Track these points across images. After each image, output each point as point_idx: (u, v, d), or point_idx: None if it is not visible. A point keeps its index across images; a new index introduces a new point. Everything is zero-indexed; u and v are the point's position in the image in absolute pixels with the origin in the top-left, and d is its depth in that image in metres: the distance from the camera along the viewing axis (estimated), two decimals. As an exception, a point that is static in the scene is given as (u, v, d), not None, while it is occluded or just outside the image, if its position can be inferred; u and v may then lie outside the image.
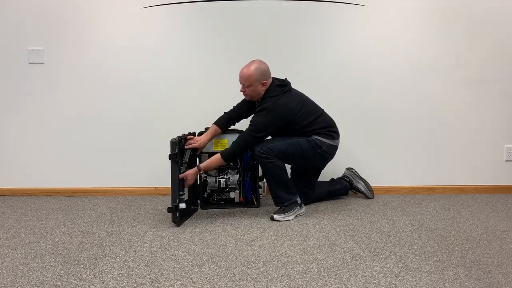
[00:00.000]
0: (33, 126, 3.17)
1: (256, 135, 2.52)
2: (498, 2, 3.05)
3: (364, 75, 3.11)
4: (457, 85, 3.11)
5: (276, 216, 2.49)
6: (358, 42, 3.09)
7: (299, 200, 2.59)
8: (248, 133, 2.54)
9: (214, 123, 2.73)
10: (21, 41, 3.11)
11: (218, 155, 2.54)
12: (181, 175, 2.47)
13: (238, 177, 2.78)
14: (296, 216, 2.54)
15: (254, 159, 2.73)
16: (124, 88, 3.14)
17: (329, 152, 2.66)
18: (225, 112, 2.77)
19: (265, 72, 2.58)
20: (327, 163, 2.77)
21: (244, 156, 2.76)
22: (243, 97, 2.82)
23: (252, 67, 2.56)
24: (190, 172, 2.51)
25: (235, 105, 2.79)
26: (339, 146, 2.73)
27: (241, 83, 2.60)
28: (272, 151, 2.52)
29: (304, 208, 2.63)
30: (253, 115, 2.62)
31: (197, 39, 3.11)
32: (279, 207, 2.58)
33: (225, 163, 2.61)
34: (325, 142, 2.61)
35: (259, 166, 2.63)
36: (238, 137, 2.56)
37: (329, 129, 2.65)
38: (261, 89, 2.58)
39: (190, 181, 2.52)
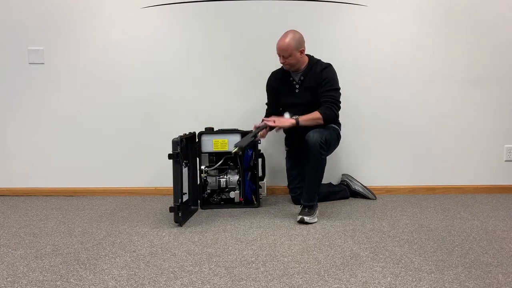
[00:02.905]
0: (33, 126, 3.17)
1: (338, 87, 2.63)
2: (498, 2, 3.05)
3: (364, 75, 3.11)
4: (457, 85, 3.11)
5: (307, 219, 2.40)
6: (358, 42, 3.09)
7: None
8: (332, 89, 2.59)
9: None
10: (21, 41, 3.11)
11: (318, 114, 2.53)
12: (270, 118, 2.56)
13: (238, 177, 2.78)
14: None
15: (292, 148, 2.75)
16: (124, 88, 3.14)
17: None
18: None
19: (301, 39, 2.62)
20: None
21: (244, 156, 2.76)
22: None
23: (288, 38, 2.58)
24: (287, 119, 2.53)
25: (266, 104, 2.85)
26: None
27: (280, 55, 2.62)
28: (327, 143, 2.51)
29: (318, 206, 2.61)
30: (314, 80, 2.62)
31: (197, 39, 3.11)
32: (304, 208, 2.48)
33: (322, 123, 2.56)
34: (339, 131, 2.73)
35: (310, 157, 2.48)
36: (328, 100, 2.56)
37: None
38: (300, 56, 2.62)
39: (281, 126, 2.55)
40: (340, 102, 2.63)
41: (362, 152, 3.15)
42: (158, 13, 3.08)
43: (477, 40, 3.08)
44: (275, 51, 2.72)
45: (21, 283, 1.67)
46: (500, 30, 3.07)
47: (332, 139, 2.59)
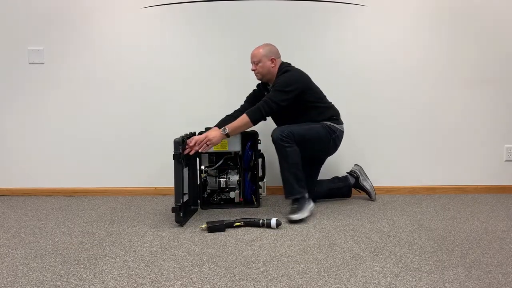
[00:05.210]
0: (33, 126, 3.17)
1: (284, 89, 2.50)
2: (498, 2, 3.05)
3: (364, 75, 3.11)
4: (457, 85, 3.11)
5: (293, 216, 2.41)
6: (358, 42, 3.09)
7: (307, 195, 2.54)
8: (274, 90, 2.53)
9: (215, 126, 2.67)
10: (21, 41, 3.11)
11: (245, 116, 2.49)
12: (198, 137, 2.45)
13: (238, 177, 2.78)
14: (310, 212, 2.50)
15: (274, 144, 2.61)
16: (124, 88, 3.14)
17: (340, 139, 2.70)
18: (227, 115, 2.75)
19: (274, 50, 2.67)
20: (334, 152, 2.77)
21: (244, 156, 2.76)
22: (244, 97, 2.83)
23: (262, 47, 2.66)
24: (214, 134, 2.46)
25: (238, 108, 2.81)
26: (340, 147, 2.75)
27: (251, 62, 2.68)
28: (293, 135, 2.48)
29: (312, 202, 2.57)
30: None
31: (197, 39, 3.11)
32: (292, 207, 2.49)
33: (253, 125, 2.53)
34: (338, 128, 2.67)
35: (277, 153, 2.52)
36: (264, 99, 2.52)
37: (338, 116, 2.73)
38: (271, 66, 2.63)
39: (215, 144, 2.49)
40: (277, 102, 2.49)
41: (362, 152, 3.15)
42: (158, 13, 3.08)
43: (477, 40, 3.08)
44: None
45: (21, 283, 1.67)
46: (500, 30, 3.07)
47: (309, 134, 2.54)
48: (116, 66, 3.12)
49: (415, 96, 3.12)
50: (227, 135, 2.51)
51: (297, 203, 2.49)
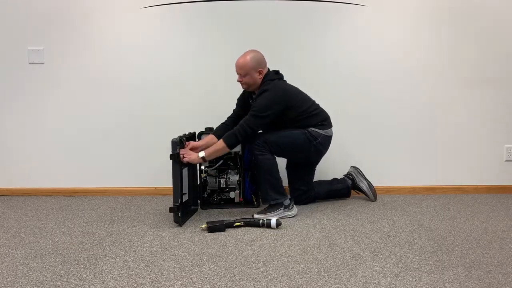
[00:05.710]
0: (33, 126, 3.17)
1: (260, 115, 2.49)
2: (498, 2, 3.05)
3: (364, 75, 3.11)
4: (457, 85, 3.11)
5: (257, 215, 2.49)
6: (358, 42, 3.09)
7: (287, 202, 2.53)
8: (250, 115, 2.51)
9: (212, 133, 2.68)
10: (21, 41, 3.11)
11: (221, 142, 2.48)
12: (183, 153, 2.44)
13: (238, 177, 2.78)
14: (284, 217, 2.49)
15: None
16: (124, 88, 3.14)
17: (324, 144, 2.67)
18: (222, 123, 2.75)
19: (261, 60, 2.59)
20: (322, 156, 2.77)
21: (244, 156, 2.76)
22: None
23: (248, 56, 2.56)
24: (193, 154, 2.47)
25: (230, 113, 2.80)
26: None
27: (237, 73, 2.60)
28: (267, 143, 2.51)
29: (294, 210, 2.57)
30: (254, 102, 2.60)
31: (197, 39, 3.11)
32: (264, 209, 2.56)
33: (229, 150, 2.53)
34: (321, 134, 2.63)
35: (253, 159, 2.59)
36: (241, 121, 2.52)
37: (325, 120, 2.69)
38: (258, 77, 2.58)
39: (192, 162, 2.48)
40: (252, 128, 2.49)
41: (362, 152, 3.14)
42: (158, 13, 3.08)
43: (477, 40, 3.08)
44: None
45: (21, 283, 1.67)
46: (500, 30, 3.07)
47: (285, 141, 2.56)
48: (116, 66, 3.12)
49: (415, 96, 3.12)
50: (203, 159, 2.49)
51: (270, 208, 2.54)
